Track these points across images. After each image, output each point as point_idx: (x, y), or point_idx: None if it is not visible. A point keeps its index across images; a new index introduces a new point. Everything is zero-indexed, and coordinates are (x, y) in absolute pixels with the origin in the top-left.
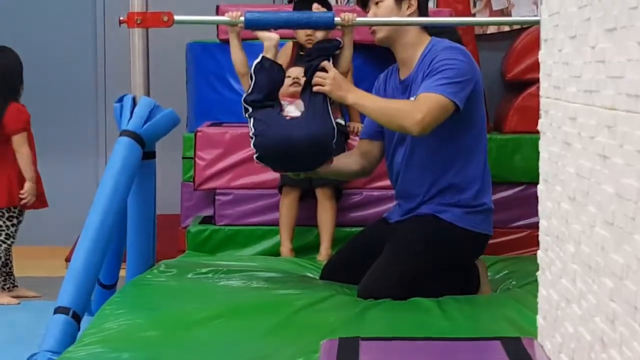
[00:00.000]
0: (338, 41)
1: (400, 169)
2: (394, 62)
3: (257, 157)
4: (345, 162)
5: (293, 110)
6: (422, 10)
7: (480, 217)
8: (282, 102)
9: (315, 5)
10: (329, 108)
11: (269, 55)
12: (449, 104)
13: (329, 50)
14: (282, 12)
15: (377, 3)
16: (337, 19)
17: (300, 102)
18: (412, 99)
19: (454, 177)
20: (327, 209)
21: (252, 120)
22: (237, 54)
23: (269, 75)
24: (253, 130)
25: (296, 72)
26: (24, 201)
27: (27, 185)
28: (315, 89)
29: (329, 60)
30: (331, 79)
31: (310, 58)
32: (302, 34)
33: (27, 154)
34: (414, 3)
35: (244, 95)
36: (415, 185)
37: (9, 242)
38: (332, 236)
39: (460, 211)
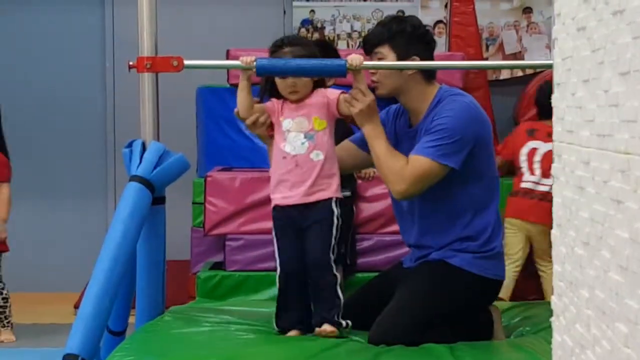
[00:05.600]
0: None
1: (407, 221)
2: None
3: None
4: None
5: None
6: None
7: (490, 262)
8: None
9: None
10: None
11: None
12: (440, 168)
13: None
14: (293, 59)
15: (379, 59)
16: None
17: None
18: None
19: (462, 230)
20: None
21: None
22: (244, 97)
23: None
24: None
25: None
26: None
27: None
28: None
29: None
30: (366, 105)
31: None
32: (284, 86)
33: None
34: (417, 61)
35: None
36: (421, 237)
37: None
38: None
39: (470, 256)
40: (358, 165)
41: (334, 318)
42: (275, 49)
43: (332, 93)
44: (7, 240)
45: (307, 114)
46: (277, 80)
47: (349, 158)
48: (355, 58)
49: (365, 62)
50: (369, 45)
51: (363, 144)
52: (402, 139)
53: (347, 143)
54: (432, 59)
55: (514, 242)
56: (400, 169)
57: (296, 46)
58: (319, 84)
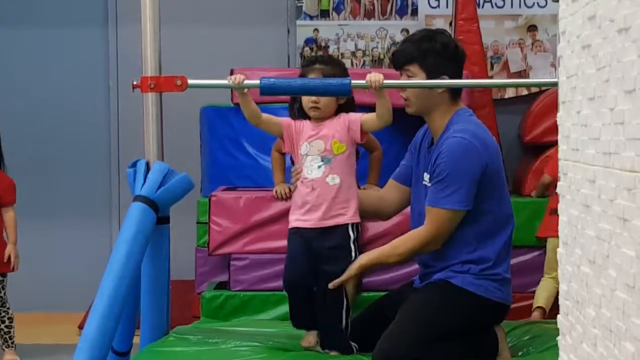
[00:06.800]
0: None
1: None
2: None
3: None
4: (362, 199)
5: None
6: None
7: (491, 284)
8: None
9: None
10: None
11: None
12: (457, 213)
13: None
14: (297, 78)
15: (409, 77)
16: (362, 82)
17: None
18: (425, 175)
19: (467, 255)
20: None
21: None
22: (247, 109)
23: None
24: None
25: None
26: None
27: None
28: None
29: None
30: (353, 271)
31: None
32: (306, 101)
33: None
34: (446, 79)
35: None
36: (427, 257)
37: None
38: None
39: (471, 277)
40: (405, 201)
41: (342, 343)
42: (308, 64)
43: (354, 116)
44: (18, 262)
45: (325, 137)
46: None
47: (396, 195)
48: (375, 77)
49: (386, 81)
50: (398, 62)
51: (405, 179)
52: (422, 157)
53: (390, 182)
54: (461, 75)
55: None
56: (426, 236)
57: (327, 65)
58: (344, 108)
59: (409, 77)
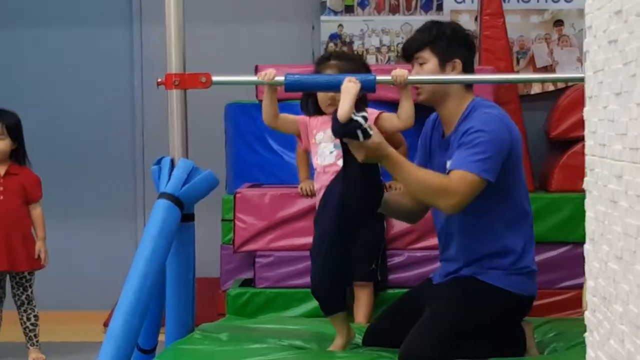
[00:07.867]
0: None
1: (442, 232)
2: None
3: None
4: (397, 199)
5: None
6: (468, 71)
7: (520, 278)
8: None
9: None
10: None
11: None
12: (482, 182)
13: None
14: (322, 74)
15: (421, 64)
16: (388, 78)
17: None
18: (448, 163)
19: (493, 245)
20: (363, 297)
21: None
22: (267, 107)
23: None
24: None
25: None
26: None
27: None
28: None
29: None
30: (367, 150)
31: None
32: (324, 99)
33: None
34: (458, 65)
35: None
36: (454, 250)
37: None
38: (370, 313)
39: (500, 273)
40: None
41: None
42: (322, 61)
43: (371, 112)
44: (47, 257)
45: None
46: (318, 92)
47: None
48: (400, 73)
49: (411, 77)
50: (409, 51)
51: None
52: (434, 149)
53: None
54: (473, 62)
55: None
56: (447, 184)
57: (342, 60)
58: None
59: (421, 64)
